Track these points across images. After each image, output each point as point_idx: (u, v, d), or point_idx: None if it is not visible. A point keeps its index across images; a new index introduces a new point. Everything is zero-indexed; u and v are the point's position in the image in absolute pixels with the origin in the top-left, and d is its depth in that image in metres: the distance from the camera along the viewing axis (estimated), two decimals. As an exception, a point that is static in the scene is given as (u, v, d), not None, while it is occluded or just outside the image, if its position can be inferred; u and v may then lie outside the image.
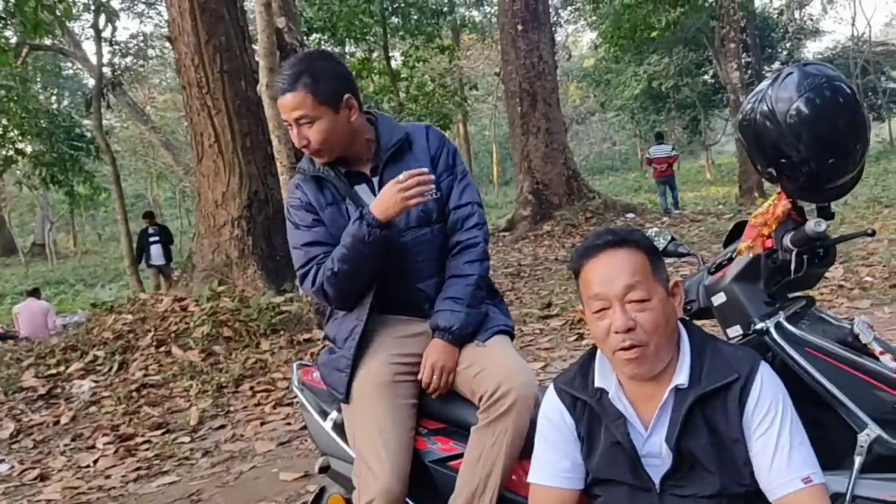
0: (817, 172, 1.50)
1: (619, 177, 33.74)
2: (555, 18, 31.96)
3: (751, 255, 1.65)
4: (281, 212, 6.91)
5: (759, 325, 1.59)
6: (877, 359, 1.55)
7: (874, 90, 33.70)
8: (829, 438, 1.52)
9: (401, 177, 1.88)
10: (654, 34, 21.65)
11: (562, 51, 33.29)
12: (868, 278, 6.65)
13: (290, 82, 1.96)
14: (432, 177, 1.94)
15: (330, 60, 2.08)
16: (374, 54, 18.65)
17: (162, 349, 6.09)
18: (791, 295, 1.71)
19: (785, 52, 34.88)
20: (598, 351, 1.56)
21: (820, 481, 1.41)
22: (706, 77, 29.33)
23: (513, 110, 13.62)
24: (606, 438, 1.49)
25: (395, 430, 1.89)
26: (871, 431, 1.46)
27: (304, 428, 4.32)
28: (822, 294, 6.31)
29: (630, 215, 12.98)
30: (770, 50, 33.94)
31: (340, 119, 1.99)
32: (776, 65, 35.14)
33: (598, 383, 1.52)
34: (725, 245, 1.85)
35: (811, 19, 38.24)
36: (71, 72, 29.38)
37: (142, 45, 23.39)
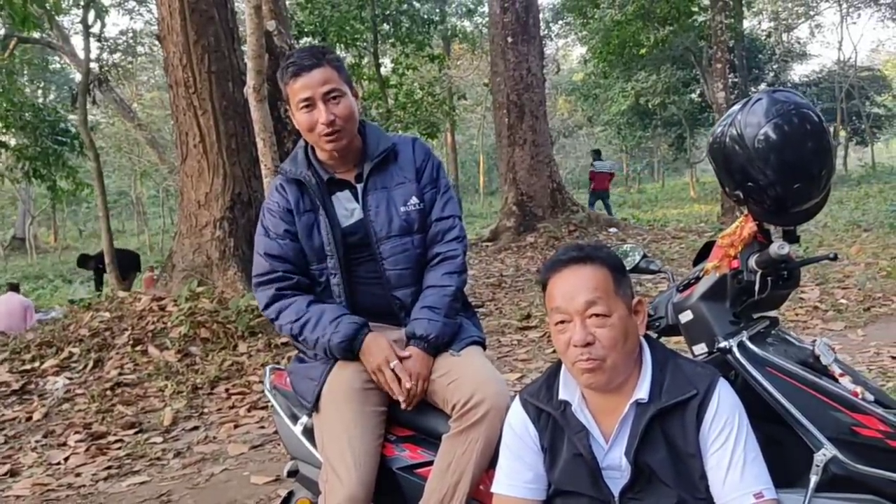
0: (783, 196, 1.54)
1: (604, 191, 33.84)
2: (545, 31, 32.18)
3: (717, 274, 1.69)
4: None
5: (723, 344, 1.63)
6: (836, 380, 1.59)
7: (858, 115, 34.14)
8: (786, 457, 1.56)
9: (394, 363, 1.94)
10: (642, 51, 21.89)
11: (551, 64, 33.46)
12: (843, 301, 6.73)
13: (317, 58, 1.99)
14: (420, 389, 1.97)
15: (336, 53, 2.12)
16: (364, 60, 18.67)
17: (138, 348, 6.06)
18: (756, 315, 1.74)
19: (772, 74, 35.29)
20: (564, 364, 1.59)
21: (772, 497, 1.45)
22: (693, 95, 29.60)
23: (500, 121, 13.68)
24: (569, 450, 1.52)
25: (363, 437, 1.91)
26: (827, 451, 1.49)
27: (277, 432, 4.34)
28: (797, 315, 6.40)
29: (613, 230, 13.05)
30: (757, 71, 34.31)
31: (356, 104, 2.04)
32: (762, 86, 35.56)
33: (562, 395, 1.55)
34: (695, 263, 1.89)
35: (798, 42, 38.72)
36: (58, 66, 29.22)
37: (131, 41, 23.28)
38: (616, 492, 1.49)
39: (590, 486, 1.50)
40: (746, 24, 32.02)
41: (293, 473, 2.12)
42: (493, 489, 1.62)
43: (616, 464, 1.50)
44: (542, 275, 1.57)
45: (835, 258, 1.69)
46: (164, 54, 7.71)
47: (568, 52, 46.70)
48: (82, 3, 10.07)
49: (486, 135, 35.91)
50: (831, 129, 34.85)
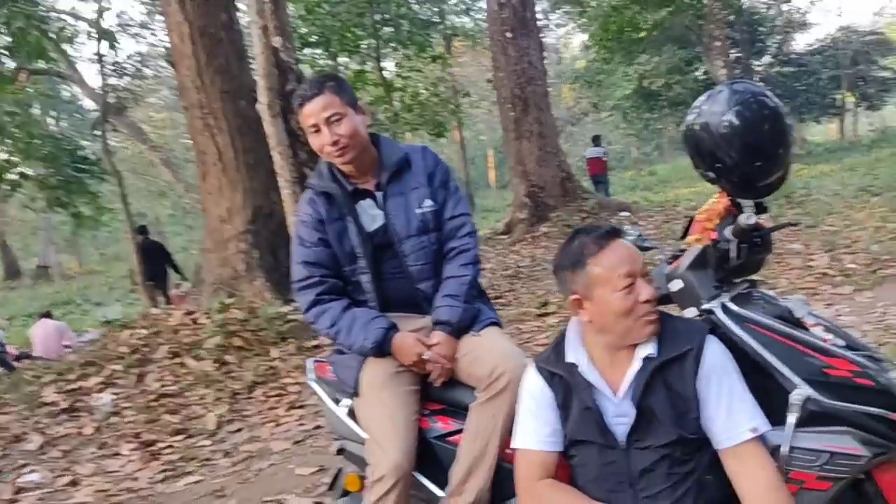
0: (748, 174, 1.78)
1: (615, 176, 33.90)
2: (545, 22, 32.27)
3: (699, 246, 1.93)
4: (285, 225, 7.22)
5: (707, 306, 1.87)
6: (809, 330, 1.82)
7: (864, 80, 33.91)
8: (768, 401, 1.78)
9: (427, 354, 2.20)
10: (641, 34, 21.99)
11: (553, 54, 33.58)
12: (851, 265, 6.89)
13: (317, 88, 2.26)
14: (447, 367, 2.23)
15: (340, 78, 2.38)
16: (368, 66, 18.94)
17: (176, 361, 6.35)
18: (737, 280, 1.97)
19: (774, 46, 35.13)
20: (570, 330, 1.84)
21: (766, 429, 1.69)
22: (697, 74, 29.56)
23: (505, 116, 13.88)
24: (578, 406, 1.77)
25: (401, 412, 2.17)
26: (802, 391, 1.73)
27: (318, 427, 4.62)
28: (807, 282, 6.58)
29: (624, 213, 13.22)
30: (759, 44, 34.17)
31: (361, 120, 2.30)
32: (766, 59, 35.45)
33: (569, 359, 1.79)
34: (682, 238, 2.12)
35: (798, 12, 38.46)
36: (68, 94, 29.74)
37: (138, 65, 23.70)
38: (622, 437, 1.73)
39: (598, 434, 1.74)
40: (745, -2, 31.89)
41: (341, 451, 2.39)
42: (515, 445, 1.86)
43: (625, 411, 1.74)
44: (582, 257, 1.76)
45: (796, 224, 1.93)
46: (177, 79, 8.01)
47: (569, 40, 46.69)
48: (95, 35, 10.41)
49: (494, 129, 36.03)
50: (838, 97, 34.71)
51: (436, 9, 22.29)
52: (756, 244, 1.88)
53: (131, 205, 12.07)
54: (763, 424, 1.70)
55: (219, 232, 7.68)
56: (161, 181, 26.83)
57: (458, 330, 2.26)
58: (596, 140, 19.02)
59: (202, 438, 4.85)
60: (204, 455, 4.51)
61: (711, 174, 1.83)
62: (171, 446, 4.76)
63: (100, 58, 10.70)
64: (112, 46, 10.68)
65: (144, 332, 6.96)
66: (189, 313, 7.14)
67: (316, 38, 16.35)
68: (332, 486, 2.48)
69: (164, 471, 4.34)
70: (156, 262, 12.51)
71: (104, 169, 11.79)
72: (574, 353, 1.80)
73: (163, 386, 5.90)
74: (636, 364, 1.74)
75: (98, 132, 11.16)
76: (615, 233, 1.79)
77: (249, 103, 7.67)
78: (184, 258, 16.43)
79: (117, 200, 12.36)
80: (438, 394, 2.26)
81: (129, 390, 6.05)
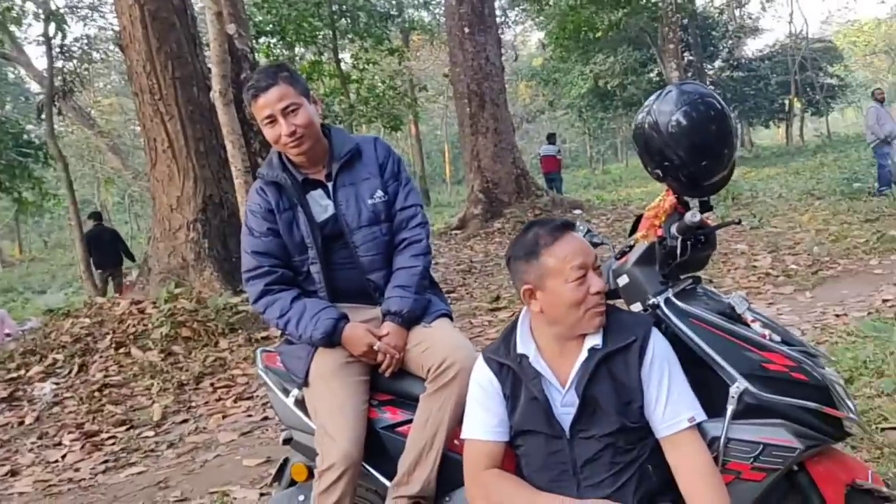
0: (694, 173, 1.82)
1: (569, 174, 34.35)
2: (503, 18, 32.40)
3: (646, 242, 1.97)
4: (236, 214, 7.12)
5: (652, 301, 1.91)
6: (748, 326, 1.88)
7: (812, 86, 34.80)
8: (708, 393, 1.83)
9: (377, 345, 2.18)
10: (598, 34, 22.24)
11: (510, 50, 33.74)
12: (793, 266, 7.11)
13: (271, 78, 2.23)
14: (398, 357, 2.22)
15: (292, 68, 2.36)
16: (324, 56, 18.78)
17: (121, 351, 6.24)
18: (682, 276, 2.02)
19: (726, 51, 35.89)
20: (519, 323, 1.87)
21: (702, 419, 1.75)
22: (651, 75, 30.04)
23: (462, 111, 13.93)
24: (526, 396, 1.79)
25: (350, 402, 2.16)
26: (740, 384, 1.78)
27: (266, 418, 4.59)
28: (750, 282, 6.76)
29: (577, 211, 13.39)
30: (712, 48, 34.86)
31: (314, 110, 2.29)
32: (718, 63, 36.20)
33: (519, 350, 1.82)
34: (630, 234, 2.17)
35: (750, 18, 39.31)
36: (13, 76, 28.83)
37: (86, 48, 23.05)
38: (567, 426, 1.77)
39: (544, 424, 1.77)
40: (700, 1, 32.48)
41: (288, 441, 2.37)
42: (464, 435, 1.88)
43: (571, 401, 1.77)
44: (536, 247, 1.79)
45: (739, 222, 1.98)
46: (126, 63, 7.84)
47: (526, 37, 47.03)
48: (43, 17, 10.10)
49: (450, 124, 36.10)
50: (786, 102, 35.60)
51: (394, 2, 22.23)
52: (701, 241, 1.93)
53: (77, 191, 11.76)
54: (700, 414, 1.76)
55: (168, 220, 7.55)
56: (108, 168, 26.19)
57: (409, 321, 2.27)
58: (550, 138, 19.20)
59: (146, 429, 4.78)
60: (148, 446, 4.45)
61: (659, 172, 1.86)
62: (114, 437, 4.68)
63: (47, 40, 10.38)
64: (60, 28, 10.39)
65: (88, 321, 6.82)
66: (135, 303, 7.02)
67: (272, 26, 16.14)
68: (277, 477, 2.47)
69: (106, 461, 4.26)
70: (109, 250, 12.22)
71: (49, 154, 11.46)
72: (524, 345, 1.83)
73: (106, 376, 5.79)
74: (583, 355, 1.78)
75: (43, 116, 10.84)
76: (569, 225, 1.83)
77: (202, 91, 7.56)
78: (130, 247, 16.07)
79: (62, 186, 12.05)
80: (388, 384, 2.27)
81: (71, 380, 5.92)
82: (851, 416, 1.80)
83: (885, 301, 5.32)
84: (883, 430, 3.03)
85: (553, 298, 1.76)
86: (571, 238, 1.80)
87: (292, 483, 2.37)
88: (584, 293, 1.74)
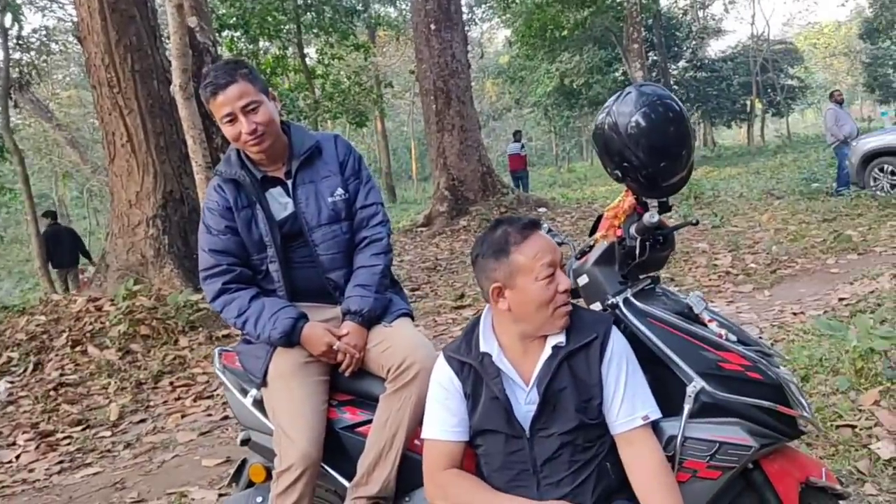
0: (653, 174, 1.83)
1: (535, 172, 34.54)
2: (469, 16, 32.44)
3: (606, 242, 1.98)
4: (197, 210, 7.01)
5: (611, 301, 1.92)
6: (706, 326, 1.89)
7: (773, 87, 35.45)
8: (665, 392, 1.85)
9: (337, 344, 2.16)
10: (564, 33, 22.38)
11: (476, 48, 33.77)
12: (753, 265, 7.22)
13: (230, 76, 2.19)
14: (358, 357, 2.20)
15: (250, 65, 2.32)
16: (289, 51, 18.60)
17: (77, 349, 6.12)
18: (642, 276, 2.03)
19: (689, 51, 36.39)
20: (482, 321, 1.86)
21: (656, 417, 1.77)
22: (616, 74, 30.34)
23: (428, 108, 13.91)
24: (487, 395, 1.79)
25: (310, 403, 2.14)
26: (696, 384, 1.79)
27: (226, 418, 4.53)
28: (710, 280, 6.85)
29: (542, 209, 13.47)
30: (675, 49, 35.32)
31: (274, 107, 2.25)
32: (681, 63, 36.68)
33: (482, 348, 1.81)
34: (591, 234, 2.17)
35: (713, 19, 39.90)
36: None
37: (45, 39, 22.54)
38: (527, 426, 1.77)
39: (504, 423, 1.77)
40: (664, 2, 32.86)
41: (246, 441, 2.34)
42: (424, 435, 1.87)
43: (534, 399, 1.77)
44: (506, 245, 1.78)
45: (696, 223, 2.00)
46: (85, 55, 7.67)
47: (493, 35, 47.15)
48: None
49: (417, 121, 36.04)
50: (748, 103, 36.19)
51: (360, -4, 22.09)
52: (659, 242, 1.94)
53: (34, 185, 11.49)
54: (655, 413, 1.78)
55: (127, 216, 7.41)
56: (67, 162, 25.66)
57: (369, 320, 2.25)
58: (517, 136, 19.24)
59: (103, 429, 4.68)
60: (104, 446, 4.36)
61: (619, 173, 1.87)
62: (69, 437, 4.58)
63: (3, 31, 10.11)
64: (16, 19, 10.13)
65: (44, 318, 6.68)
66: (93, 300, 6.88)
67: (235, 19, 15.93)
68: (235, 478, 2.43)
69: (61, 462, 4.17)
70: (66, 248, 12.04)
71: (5, 147, 11.18)
72: (486, 343, 1.82)
73: (62, 375, 5.67)
74: (546, 353, 1.78)
75: (-1, 108, 10.58)
76: (536, 224, 1.83)
77: (163, 84, 7.43)
78: (89, 243, 15.72)
79: (18, 181, 11.76)
80: (347, 384, 2.25)
81: (26, 378, 5.79)
82: (805, 414, 1.83)
83: (840, 300, 5.43)
84: (837, 427, 3.09)
85: (522, 297, 1.76)
86: (540, 236, 1.80)
87: (250, 484, 2.34)
88: (554, 291, 1.75)
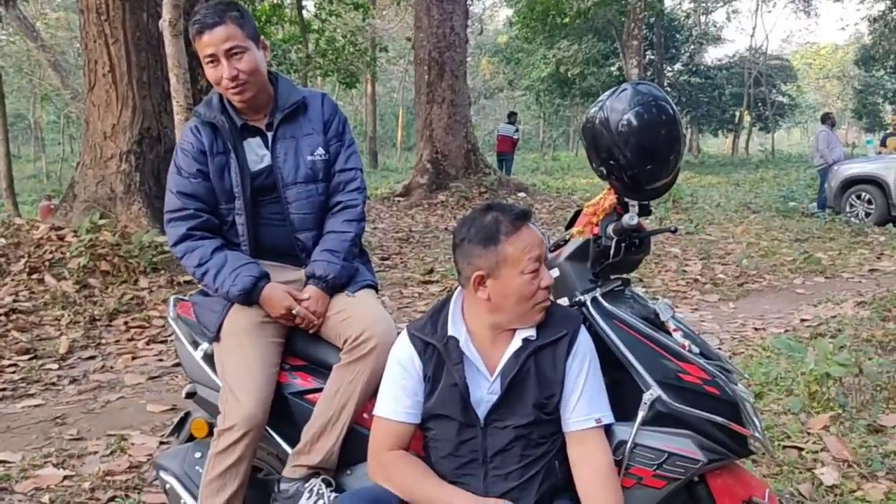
0: (638, 175, 1.79)
1: (520, 156, 34.47)
2: (473, -10, 32.06)
3: (581, 238, 1.94)
4: (174, 152, 6.85)
5: (579, 298, 1.89)
6: (670, 334, 1.87)
7: (764, 101, 35.67)
8: (624, 396, 1.83)
9: (296, 308, 2.10)
10: (565, 20, 22.24)
11: (476, 23, 33.46)
12: (721, 276, 7.28)
13: (219, 16, 2.10)
14: (317, 323, 2.15)
15: (243, 8, 2.22)
16: (287, 0, 18.25)
17: (34, 276, 5.98)
18: (612, 276, 2.01)
19: (687, 55, 36.43)
20: (452, 303, 1.81)
21: (608, 422, 1.75)
22: (612, 69, 30.27)
23: (420, 78, 13.75)
24: (447, 380, 1.75)
25: (261, 364, 2.08)
26: (653, 391, 1.78)
27: (177, 365, 4.45)
28: (678, 286, 6.89)
29: (521, 194, 13.43)
30: (674, 51, 35.33)
31: (261, 56, 2.17)
32: (677, 65, 36.73)
33: (449, 331, 1.77)
34: (567, 228, 2.14)
35: (715, 26, 39.94)
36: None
37: (37, -45, 21.89)
38: (482, 415, 1.74)
39: (459, 411, 1.74)
40: (668, 2, 32.78)
41: (191, 395, 2.28)
42: (375, 412, 1.83)
43: (496, 390, 1.74)
44: (496, 234, 1.71)
45: (675, 231, 1.97)
46: (75, -24, 7.42)
47: (494, 12, 46.77)
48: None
49: (408, 89, 35.71)
50: (737, 114, 36.40)
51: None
52: (635, 245, 1.91)
53: (10, 104, 11.18)
54: (608, 417, 1.76)
55: (100, 148, 7.23)
56: (47, 84, 25.04)
57: (333, 287, 2.19)
58: (511, 118, 19.07)
59: (50, 361, 4.59)
60: (50, 379, 4.27)
61: (603, 170, 1.83)
62: (15, 365, 4.48)
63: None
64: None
65: (4, 241, 6.51)
66: (56, 228, 6.73)
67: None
68: (177, 429, 2.38)
69: (3, 389, 4.08)
70: None
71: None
72: (454, 327, 1.78)
73: (16, 300, 5.54)
74: (514, 345, 1.75)
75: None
76: (528, 215, 1.78)
77: (152, 17, 7.21)
78: (60, 170, 15.43)
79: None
80: (303, 349, 2.20)
81: (-23, 301, 5.65)
82: (757, 434, 1.83)
83: (803, 321, 5.49)
84: (784, 447, 3.11)
85: (504, 288, 1.71)
86: (531, 229, 1.75)
87: (191, 438, 2.30)
88: (536, 287, 1.72)
